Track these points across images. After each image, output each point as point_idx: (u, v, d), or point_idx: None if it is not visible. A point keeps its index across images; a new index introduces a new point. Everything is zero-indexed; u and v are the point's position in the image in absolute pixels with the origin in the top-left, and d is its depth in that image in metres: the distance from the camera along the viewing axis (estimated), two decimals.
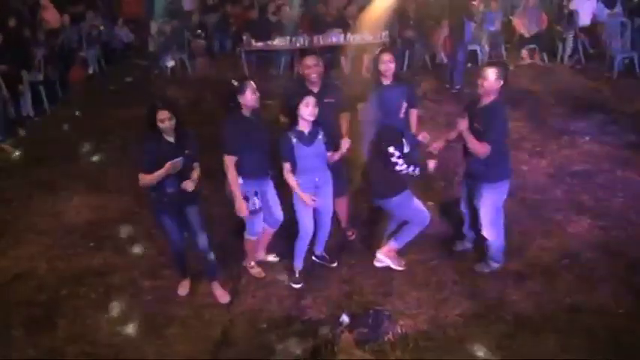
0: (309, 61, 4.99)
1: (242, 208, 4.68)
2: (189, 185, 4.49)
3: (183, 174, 4.49)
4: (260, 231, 5.00)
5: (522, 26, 11.36)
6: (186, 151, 4.49)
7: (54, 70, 10.46)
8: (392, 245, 5.06)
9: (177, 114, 4.44)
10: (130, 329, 4.63)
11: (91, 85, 11.57)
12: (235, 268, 5.27)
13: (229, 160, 4.60)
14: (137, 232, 6.02)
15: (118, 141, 8.56)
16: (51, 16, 11.94)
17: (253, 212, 4.79)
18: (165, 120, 4.36)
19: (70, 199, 6.81)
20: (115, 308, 4.89)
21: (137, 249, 5.75)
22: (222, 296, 4.92)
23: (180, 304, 4.89)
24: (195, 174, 4.64)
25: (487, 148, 4.58)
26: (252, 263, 5.19)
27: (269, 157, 4.80)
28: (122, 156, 7.99)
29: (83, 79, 11.55)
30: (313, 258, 5.29)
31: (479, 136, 4.60)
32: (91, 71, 12.03)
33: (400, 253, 5.18)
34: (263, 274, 5.13)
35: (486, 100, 4.65)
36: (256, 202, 4.77)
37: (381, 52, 5.37)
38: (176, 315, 4.75)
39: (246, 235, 5.01)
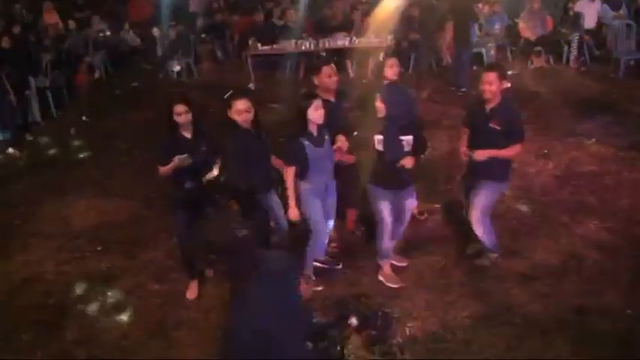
0: (328, 70, 5.01)
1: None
2: (208, 177, 4.63)
3: (200, 171, 4.60)
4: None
5: (527, 29, 11.36)
6: (203, 148, 4.59)
7: (60, 75, 10.51)
8: (382, 264, 5.09)
9: (194, 109, 4.56)
10: (138, 332, 4.63)
11: (97, 90, 11.62)
12: None
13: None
14: (144, 236, 6.03)
15: (125, 145, 8.60)
16: (52, 19, 12.04)
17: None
18: (181, 113, 4.50)
19: (77, 203, 6.84)
20: (123, 311, 4.90)
21: (144, 252, 5.75)
22: None
23: (188, 307, 4.89)
24: (216, 170, 4.70)
25: (519, 147, 4.72)
26: None
27: (269, 169, 4.76)
28: (128, 160, 8.04)
29: (89, 84, 11.59)
30: (315, 263, 5.23)
31: (498, 137, 4.67)
32: (97, 76, 12.10)
33: (403, 257, 5.27)
34: None
35: (496, 101, 4.70)
36: None
37: (386, 57, 5.40)
38: (184, 318, 4.76)
39: None
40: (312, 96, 4.59)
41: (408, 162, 4.55)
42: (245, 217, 3.84)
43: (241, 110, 4.40)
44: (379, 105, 4.54)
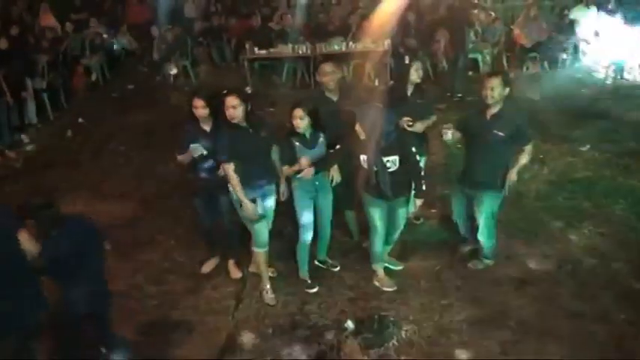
0: (326, 68, 5.09)
1: (250, 210, 4.62)
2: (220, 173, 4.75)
3: (216, 162, 4.74)
4: (267, 241, 4.89)
5: (523, 36, 11.42)
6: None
7: (57, 77, 10.50)
8: (376, 268, 5.13)
9: (212, 105, 4.71)
10: (135, 334, 4.63)
11: (93, 92, 11.61)
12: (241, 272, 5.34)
13: (228, 168, 4.55)
14: (141, 238, 6.04)
15: (121, 147, 8.60)
16: (49, 21, 12.04)
17: (256, 220, 4.72)
18: (198, 107, 4.74)
19: (74, 205, 6.80)
20: (120, 313, 4.89)
21: (141, 254, 5.76)
22: (235, 272, 5.33)
23: (185, 310, 4.92)
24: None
25: (530, 149, 4.83)
26: (267, 287, 5.01)
27: (268, 165, 4.79)
28: (125, 162, 8.04)
29: (86, 86, 11.59)
30: (316, 262, 5.35)
31: (503, 144, 4.71)
32: (93, 78, 12.05)
33: (399, 261, 5.34)
34: (273, 303, 4.93)
35: (497, 107, 4.74)
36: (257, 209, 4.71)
37: (412, 61, 5.43)
38: (181, 320, 4.78)
39: (255, 248, 4.92)
40: (295, 104, 4.67)
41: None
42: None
43: (228, 106, 4.49)
44: (358, 129, 4.57)
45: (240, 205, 4.64)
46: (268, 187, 4.80)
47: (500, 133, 4.67)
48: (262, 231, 4.82)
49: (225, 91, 4.58)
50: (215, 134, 4.72)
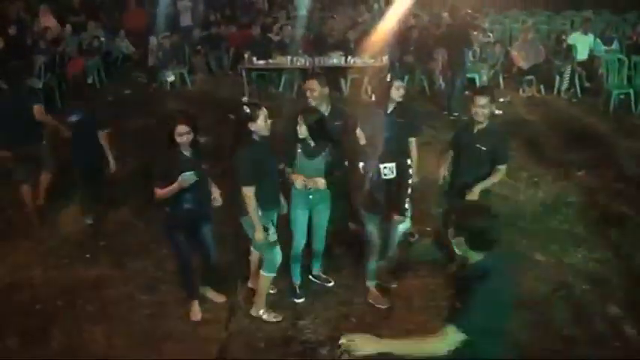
0: (309, 84, 5.16)
1: (261, 237, 4.47)
2: (217, 201, 4.61)
3: (200, 190, 4.49)
4: (279, 265, 4.74)
5: (520, 58, 11.51)
6: (203, 166, 4.53)
7: (54, 77, 10.45)
8: (370, 285, 5.13)
9: (196, 129, 4.42)
10: (126, 343, 4.59)
11: (89, 95, 11.51)
12: (233, 286, 5.28)
13: (248, 191, 4.37)
14: (134, 245, 6.00)
15: (115, 152, 8.51)
16: (49, 22, 12.00)
17: (272, 244, 4.60)
18: (183, 134, 4.32)
19: (67, 209, 6.77)
20: (111, 321, 4.85)
21: (134, 262, 5.71)
22: (217, 297, 5.11)
23: (176, 320, 4.86)
24: (217, 190, 4.73)
25: (504, 170, 4.91)
26: (261, 311, 4.85)
27: (279, 185, 4.77)
28: (119, 167, 7.96)
29: (82, 86, 11.49)
30: (310, 277, 5.33)
31: (484, 157, 4.83)
32: (90, 81, 12.00)
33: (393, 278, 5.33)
34: (280, 318, 4.86)
35: (484, 123, 4.86)
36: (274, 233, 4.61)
37: (393, 78, 5.38)
38: (173, 331, 4.73)
39: (265, 272, 4.72)
40: (298, 113, 4.66)
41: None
42: None
43: (265, 119, 4.35)
44: (359, 133, 4.57)
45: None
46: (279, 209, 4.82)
47: (483, 148, 4.82)
48: (277, 255, 4.68)
49: (253, 105, 4.41)
50: (197, 158, 4.49)
